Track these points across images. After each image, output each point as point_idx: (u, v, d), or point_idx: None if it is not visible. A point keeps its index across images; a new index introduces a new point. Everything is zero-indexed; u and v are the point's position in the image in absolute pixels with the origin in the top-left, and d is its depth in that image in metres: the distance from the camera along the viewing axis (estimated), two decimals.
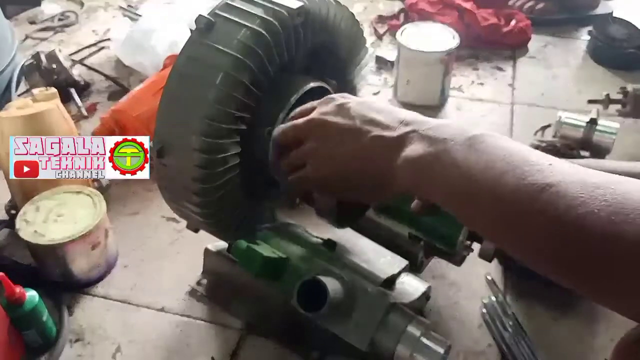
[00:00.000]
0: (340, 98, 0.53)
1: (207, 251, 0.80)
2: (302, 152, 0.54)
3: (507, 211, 0.40)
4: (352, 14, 0.72)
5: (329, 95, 0.56)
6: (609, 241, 0.35)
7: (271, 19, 0.61)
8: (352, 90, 0.79)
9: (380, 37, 1.49)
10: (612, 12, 1.52)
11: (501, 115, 1.21)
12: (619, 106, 1.10)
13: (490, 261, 0.59)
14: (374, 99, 0.51)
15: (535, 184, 0.38)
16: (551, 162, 0.40)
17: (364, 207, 0.67)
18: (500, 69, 1.37)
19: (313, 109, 0.56)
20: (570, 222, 0.37)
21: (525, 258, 0.42)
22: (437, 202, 0.45)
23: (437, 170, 0.43)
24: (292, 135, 0.56)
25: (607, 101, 1.10)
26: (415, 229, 0.62)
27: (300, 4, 0.63)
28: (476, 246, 0.73)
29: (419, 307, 0.73)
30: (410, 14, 1.50)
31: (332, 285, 0.61)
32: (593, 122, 0.96)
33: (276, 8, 0.62)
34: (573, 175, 0.38)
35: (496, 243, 0.46)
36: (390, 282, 0.67)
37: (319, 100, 0.56)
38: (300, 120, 0.55)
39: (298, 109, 0.59)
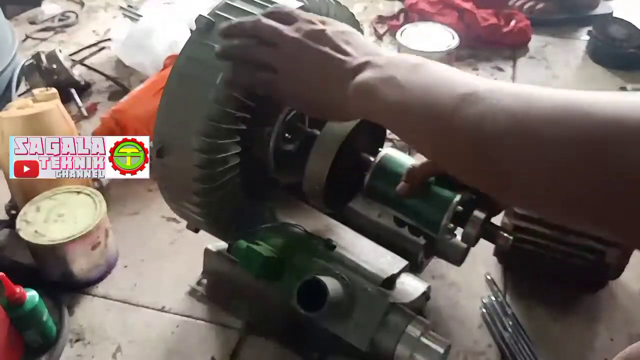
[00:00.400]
0: (320, 24, 0.56)
1: (207, 251, 0.80)
2: (272, 57, 0.56)
3: (435, 120, 0.44)
4: (353, 14, 0.72)
5: (312, 17, 0.57)
6: (505, 139, 0.39)
7: None
8: None
9: (380, 37, 1.49)
10: (612, 12, 1.52)
11: None
12: None
13: (473, 245, 0.61)
14: (354, 30, 0.55)
15: (459, 94, 0.42)
16: (478, 78, 0.44)
17: (351, 191, 0.68)
18: (500, 69, 1.37)
19: (293, 19, 0.57)
20: (484, 126, 0.40)
21: (452, 166, 0.45)
22: (382, 123, 0.50)
23: (382, 91, 0.48)
24: (269, 34, 0.56)
25: None
26: (401, 213, 0.64)
27: (300, 4, 0.63)
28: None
29: (419, 307, 0.73)
30: (410, 14, 1.51)
31: (332, 285, 0.61)
32: None
33: None
34: (491, 84, 0.42)
35: (428, 154, 0.51)
36: (390, 282, 0.67)
37: (302, 15, 0.57)
38: (283, 29, 0.56)
39: (284, 12, 0.58)
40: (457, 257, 0.75)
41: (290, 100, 0.58)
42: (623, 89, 1.10)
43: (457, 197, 0.59)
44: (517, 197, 0.42)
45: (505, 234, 0.59)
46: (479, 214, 0.58)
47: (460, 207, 0.59)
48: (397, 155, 0.65)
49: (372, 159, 0.65)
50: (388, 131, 0.73)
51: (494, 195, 0.48)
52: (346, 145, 0.63)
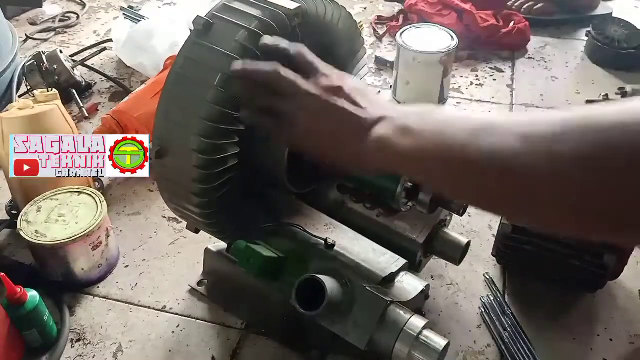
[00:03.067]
0: (337, 80, 0.57)
1: (207, 251, 0.80)
2: (289, 109, 0.57)
3: (450, 159, 0.46)
4: (350, 14, 0.72)
5: (328, 70, 0.58)
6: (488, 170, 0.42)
7: (268, 20, 0.61)
8: None
9: (380, 38, 1.49)
10: (611, 13, 1.52)
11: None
12: None
13: (429, 212, 0.62)
14: (367, 86, 0.56)
15: (468, 130, 0.44)
16: (477, 115, 0.45)
17: (317, 174, 0.69)
18: (499, 69, 1.37)
19: (313, 70, 0.58)
20: (497, 154, 0.42)
21: (471, 198, 0.49)
22: (402, 171, 0.53)
23: (397, 142, 0.50)
24: (287, 86, 0.57)
25: (606, 102, 1.10)
26: (360, 185, 0.66)
27: (298, 5, 0.63)
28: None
29: (418, 306, 0.73)
30: (409, 15, 1.51)
31: (330, 284, 0.61)
32: None
33: (273, 9, 0.62)
34: (487, 117, 0.46)
35: (452, 192, 0.54)
36: (389, 280, 0.68)
37: (319, 68, 0.58)
38: (301, 84, 0.56)
39: (305, 61, 0.58)
40: (456, 256, 0.75)
41: (310, 153, 0.59)
42: (622, 89, 1.10)
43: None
44: (535, 215, 0.43)
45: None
46: None
47: None
48: None
49: None
50: None
51: (512, 218, 0.52)
52: None
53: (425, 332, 0.62)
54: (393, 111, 0.53)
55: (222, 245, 0.78)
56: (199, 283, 0.83)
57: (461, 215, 0.63)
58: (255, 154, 0.67)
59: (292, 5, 0.62)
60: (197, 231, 0.75)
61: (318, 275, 0.61)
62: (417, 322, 0.62)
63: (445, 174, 0.47)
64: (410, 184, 0.62)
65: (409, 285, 0.69)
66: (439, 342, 0.62)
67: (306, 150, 0.58)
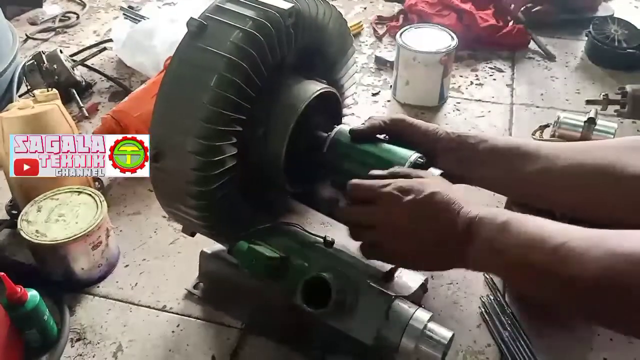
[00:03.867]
0: (417, 184, 0.60)
1: (202, 254, 0.79)
2: (373, 218, 0.61)
3: (535, 271, 0.53)
4: (340, 13, 0.72)
5: (409, 171, 0.63)
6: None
7: (263, 20, 0.61)
8: (340, 90, 0.79)
9: (380, 38, 1.49)
10: (612, 14, 1.52)
11: (500, 115, 1.22)
12: (617, 107, 1.10)
13: None
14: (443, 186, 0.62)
15: (550, 249, 0.51)
16: (558, 228, 0.52)
17: (313, 171, 0.72)
18: (499, 69, 1.37)
19: (391, 176, 0.62)
20: (576, 283, 0.49)
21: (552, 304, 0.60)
22: (495, 273, 0.65)
23: (488, 253, 0.56)
24: (368, 195, 0.61)
25: (606, 102, 1.10)
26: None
27: (291, 4, 0.63)
28: None
29: (418, 300, 0.73)
30: (409, 15, 1.51)
31: (335, 281, 0.62)
32: (591, 121, 0.96)
33: (267, 9, 0.62)
34: (568, 234, 0.51)
35: (536, 297, 0.65)
36: (390, 275, 0.68)
37: (399, 170, 0.63)
38: (379, 187, 0.60)
39: (378, 173, 0.63)
40: None
41: (395, 258, 0.63)
42: (622, 89, 1.10)
43: (407, 164, 0.64)
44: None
45: None
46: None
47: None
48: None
49: (327, 134, 0.69)
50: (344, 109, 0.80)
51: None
52: (302, 121, 0.66)
53: (430, 325, 0.62)
54: (473, 210, 0.57)
55: (217, 247, 0.77)
56: (195, 286, 0.83)
57: None
58: (253, 155, 0.67)
59: (286, 5, 0.63)
60: (192, 234, 0.75)
61: (323, 273, 0.61)
62: (422, 315, 0.62)
63: (534, 287, 0.56)
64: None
65: (409, 279, 0.70)
66: (445, 334, 0.62)
67: (403, 260, 0.63)
